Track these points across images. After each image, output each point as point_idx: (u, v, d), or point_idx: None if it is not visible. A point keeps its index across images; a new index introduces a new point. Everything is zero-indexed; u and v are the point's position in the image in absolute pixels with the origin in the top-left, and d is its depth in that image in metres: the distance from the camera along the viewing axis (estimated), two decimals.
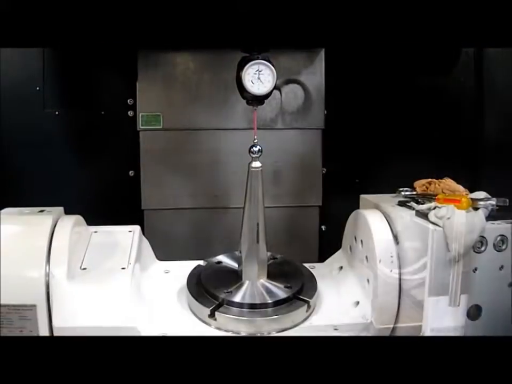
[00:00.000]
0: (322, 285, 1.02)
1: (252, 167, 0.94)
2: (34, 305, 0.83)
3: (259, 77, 0.90)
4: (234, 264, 1.04)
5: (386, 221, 0.96)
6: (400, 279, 0.90)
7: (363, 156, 1.42)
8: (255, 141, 0.94)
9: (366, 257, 0.96)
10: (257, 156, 0.94)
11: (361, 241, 0.99)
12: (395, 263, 0.91)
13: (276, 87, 0.95)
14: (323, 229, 1.41)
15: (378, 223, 0.95)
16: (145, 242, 1.08)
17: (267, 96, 0.92)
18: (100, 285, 0.90)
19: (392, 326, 0.92)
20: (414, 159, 1.38)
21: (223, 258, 1.08)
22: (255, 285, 0.97)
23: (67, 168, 1.33)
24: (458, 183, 1.01)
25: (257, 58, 0.90)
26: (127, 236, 1.02)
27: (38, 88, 1.31)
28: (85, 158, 1.35)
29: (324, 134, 1.37)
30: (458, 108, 1.45)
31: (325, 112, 1.36)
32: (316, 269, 1.10)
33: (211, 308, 0.91)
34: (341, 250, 1.13)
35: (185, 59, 1.31)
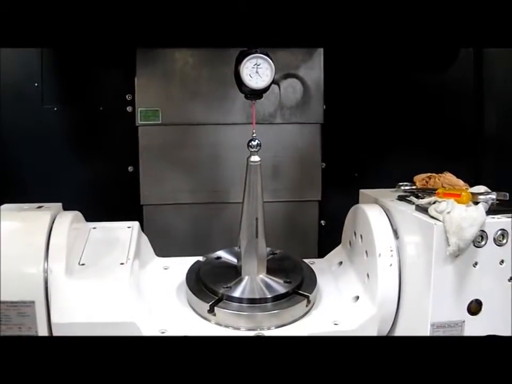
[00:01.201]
0: (322, 280, 1.01)
1: (251, 162, 0.93)
2: (32, 302, 0.83)
3: (257, 70, 0.89)
4: (233, 260, 1.04)
5: (386, 216, 0.96)
6: (400, 274, 0.90)
7: (362, 151, 1.42)
8: (254, 135, 0.93)
9: (366, 252, 0.96)
10: (256, 150, 0.93)
11: (361, 236, 0.99)
12: (395, 258, 0.90)
13: (275, 82, 0.95)
14: (322, 224, 1.41)
15: (378, 217, 0.95)
16: (144, 238, 1.08)
17: (265, 90, 0.91)
18: (98, 281, 0.89)
19: (392, 320, 0.92)
20: (413, 153, 1.38)
21: (222, 254, 1.07)
22: (255, 280, 0.97)
23: (65, 164, 1.33)
24: (458, 177, 1.01)
25: (256, 52, 0.89)
26: (125, 231, 1.02)
27: (36, 84, 1.31)
28: (84, 153, 1.35)
29: (323, 128, 1.37)
30: (457, 102, 1.44)
31: (324, 106, 1.36)
32: (316, 264, 1.10)
33: (210, 303, 0.91)
34: (340, 245, 1.12)
35: (183, 54, 1.31)
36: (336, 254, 1.12)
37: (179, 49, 1.30)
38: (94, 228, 1.02)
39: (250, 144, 0.93)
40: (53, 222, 0.90)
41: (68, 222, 0.91)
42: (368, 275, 0.95)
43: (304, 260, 1.08)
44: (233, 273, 0.99)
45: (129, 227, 1.03)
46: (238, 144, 1.26)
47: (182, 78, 1.31)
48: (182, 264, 1.05)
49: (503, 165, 1.40)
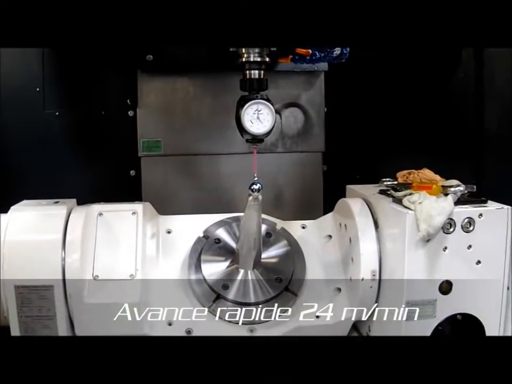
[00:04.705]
0: (309, 265, 1.08)
1: (250, 202, 0.95)
2: (51, 286, 0.92)
3: (258, 116, 0.92)
4: (232, 242, 1.08)
5: (367, 207, 1.04)
6: (380, 259, 0.98)
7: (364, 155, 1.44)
8: (256, 179, 0.94)
9: (350, 239, 1.04)
10: (257, 195, 0.93)
11: (346, 225, 1.07)
12: (375, 245, 0.99)
13: (276, 111, 0.94)
14: None
15: (360, 209, 1.03)
16: (148, 207, 1.08)
17: (266, 135, 0.93)
18: (110, 295, 0.97)
19: (374, 304, 1.00)
20: (415, 154, 1.38)
21: (221, 234, 1.09)
22: (249, 280, 1.03)
23: (67, 169, 1.36)
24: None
25: (256, 98, 0.92)
26: (131, 221, 1.03)
27: (38, 89, 1.33)
28: (85, 158, 1.38)
29: (325, 156, 1.39)
30: (459, 103, 1.47)
31: (325, 109, 1.38)
32: (307, 229, 1.14)
33: (210, 303, 1.00)
34: (332, 214, 1.16)
35: (184, 84, 1.32)
36: (328, 221, 1.16)
37: (180, 79, 1.31)
38: (101, 214, 1.03)
39: (252, 188, 0.93)
40: (69, 215, 0.98)
41: (83, 214, 0.99)
42: (352, 259, 1.02)
43: (296, 221, 1.13)
44: (231, 264, 1.05)
45: (134, 213, 1.04)
46: (240, 174, 1.29)
47: (183, 108, 1.33)
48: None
49: (505, 164, 1.43)
